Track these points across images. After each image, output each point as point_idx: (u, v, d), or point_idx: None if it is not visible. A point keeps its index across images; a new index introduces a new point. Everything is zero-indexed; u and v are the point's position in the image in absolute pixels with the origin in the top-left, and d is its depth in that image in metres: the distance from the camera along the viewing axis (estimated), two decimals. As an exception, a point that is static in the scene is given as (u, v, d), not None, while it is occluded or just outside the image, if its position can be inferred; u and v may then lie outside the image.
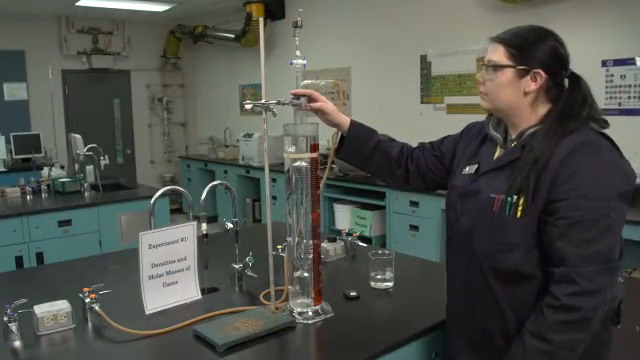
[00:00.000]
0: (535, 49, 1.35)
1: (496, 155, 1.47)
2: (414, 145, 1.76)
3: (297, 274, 1.67)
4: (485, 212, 1.39)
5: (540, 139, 1.33)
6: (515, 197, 1.33)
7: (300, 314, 1.65)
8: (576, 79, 1.40)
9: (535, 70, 1.35)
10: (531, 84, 1.36)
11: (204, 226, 1.93)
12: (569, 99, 1.37)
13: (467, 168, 1.51)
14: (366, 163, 1.74)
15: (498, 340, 1.40)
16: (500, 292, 1.39)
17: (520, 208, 1.32)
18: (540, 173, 1.30)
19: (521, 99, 1.38)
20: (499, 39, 1.40)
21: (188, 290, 1.84)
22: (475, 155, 1.53)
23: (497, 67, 1.38)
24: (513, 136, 1.44)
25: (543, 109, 1.39)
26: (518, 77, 1.36)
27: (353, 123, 1.71)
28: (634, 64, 3.70)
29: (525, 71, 1.35)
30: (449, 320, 1.58)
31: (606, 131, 1.37)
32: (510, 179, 1.35)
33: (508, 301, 1.38)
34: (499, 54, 1.38)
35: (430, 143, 1.72)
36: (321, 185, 1.69)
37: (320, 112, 1.67)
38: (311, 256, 1.66)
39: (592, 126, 1.35)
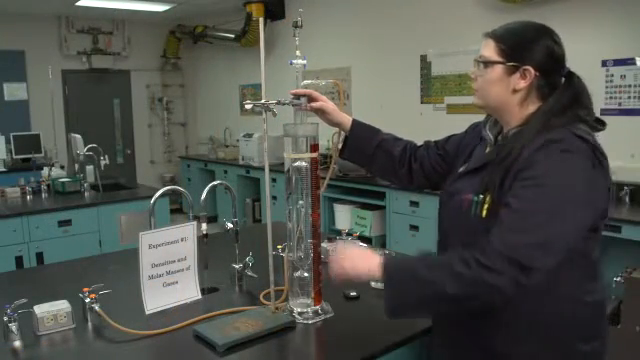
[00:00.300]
0: (526, 46, 1.32)
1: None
2: (416, 139, 1.76)
3: (297, 274, 1.67)
4: (458, 213, 1.37)
5: (515, 138, 1.31)
6: (481, 196, 1.30)
7: (300, 314, 1.65)
8: (571, 79, 1.35)
9: (524, 67, 1.31)
10: (520, 81, 1.32)
11: (204, 226, 1.93)
12: (557, 99, 1.32)
13: (461, 168, 1.49)
14: (369, 162, 1.73)
15: (472, 343, 1.38)
16: None
17: (486, 207, 1.29)
18: (507, 171, 1.27)
19: (510, 96, 1.34)
20: (492, 34, 1.37)
21: (188, 290, 1.84)
22: (470, 155, 1.51)
23: (487, 63, 1.35)
24: (503, 135, 1.42)
25: (532, 108, 1.34)
26: (507, 74, 1.33)
27: (355, 122, 1.70)
28: (634, 64, 3.70)
29: (514, 68, 1.32)
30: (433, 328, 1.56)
31: (604, 134, 1.33)
32: (482, 179, 1.33)
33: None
34: (490, 50, 1.35)
35: (435, 142, 1.71)
36: (324, 186, 1.69)
37: (321, 112, 1.67)
38: (311, 256, 1.66)
39: (579, 127, 1.27)
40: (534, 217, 1.19)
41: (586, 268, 1.32)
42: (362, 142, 1.69)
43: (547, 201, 1.19)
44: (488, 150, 1.44)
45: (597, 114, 1.38)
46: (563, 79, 1.35)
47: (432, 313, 1.35)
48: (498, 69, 1.33)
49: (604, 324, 1.38)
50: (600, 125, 1.34)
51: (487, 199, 1.29)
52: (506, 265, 1.15)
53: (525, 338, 1.30)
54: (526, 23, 1.38)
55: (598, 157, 1.25)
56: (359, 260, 1.37)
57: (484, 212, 1.29)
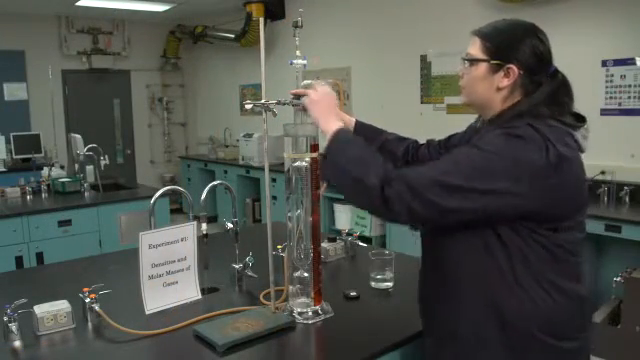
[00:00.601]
0: (511, 45, 1.33)
1: None
2: (416, 139, 1.76)
3: (297, 274, 1.67)
4: None
5: (483, 127, 1.36)
6: None
7: (300, 314, 1.65)
8: (554, 77, 1.35)
9: (508, 65, 1.32)
10: (504, 79, 1.33)
11: (204, 226, 1.93)
12: (533, 96, 1.32)
13: None
14: None
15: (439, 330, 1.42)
16: (438, 287, 1.40)
17: None
18: None
19: (494, 94, 1.35)
20: (478, 33, 1.39)
21: (188, 290, 1.84)
22: None
23: (472, 61, 1.37)
24: None
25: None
26: (491, 72, 1.34)
27: (358, 123, 1.71)
28: (634, 64, 3.70)
29: (498, 66, 1.33)
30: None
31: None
32: None
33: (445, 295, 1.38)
34: (475, 48, 1.37)
35: (438, 141, 1.72)
36: (324, 187, 1.68)
37: None
38: (311, 256, 1.66)
39: (547, 122, 1.27)
40: (449, 163, 1.25)
41: (561, 266, 1.30)
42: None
43: (470, 156, 1.24)
44: None
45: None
46: (549, 78, 1.35)
47: (339, 184, 1.37)
48: (483, 67, 1.36)
49: (581, 325, 1.36)
50: (577, 121, 1.33)
51: None
52: (400, 184, 1.22)
53: (485, 324, 1.30)
54: (513, 22, 1.40)
55: (551, 152, 1.22)
56: (327, 112, 1.46)
57: None
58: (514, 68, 1.32)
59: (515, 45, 1.33)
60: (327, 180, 1.35)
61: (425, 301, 1.47)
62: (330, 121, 1.43)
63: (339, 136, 1.38)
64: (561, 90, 1.34)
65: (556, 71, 1.36)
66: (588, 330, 1.39)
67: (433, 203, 1.21)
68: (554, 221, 1.27)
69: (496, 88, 1.35)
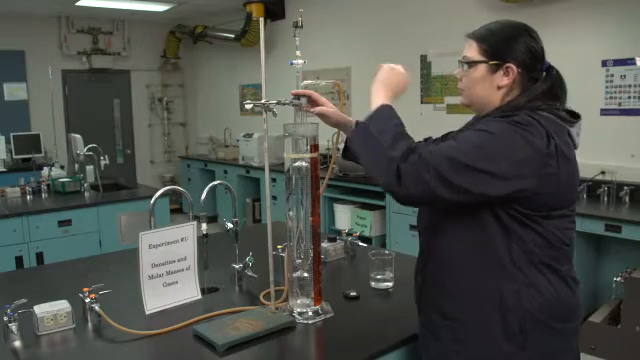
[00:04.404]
0: (507, 44, 1.37)
1: None
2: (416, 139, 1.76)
3: (297, 274, 1.67)
4: None
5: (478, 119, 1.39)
6: None
7: (300, 314, 1.65)
8: (549, 72, 1.40)
9: (507, 64, 1.37)
10: (504, 78, 1.38)
11: (204, 226, 1.94)
12: (530, 91, 1.37)
13: None
14: None
15: (430, 311, 1.43)
16: (434, 273, 1.42)
17: None
18: None
19: (495, 93, 1.40)
20: (473, 36, 1.43)
21: (188, 290, 1.84)
22: None
23: (471, 63, 1.41)
24: None
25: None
26: (491, 72, 1.39)
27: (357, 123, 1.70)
28: (634, 64, 3.70)
29: (497, 66, 1.38)
30: None
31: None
32: None
33: (440, 281, 1.40)
34: (472, 50, 1.42)
35: (434, 139, 1.72)
36: (323, 187, 1.69)
37: (321, 115, 1.67)
38: (311, 256, 1.66)
39: (541, 114, 1.31)
40: (459, 144, 1.27)
41: (555, 252, 1.33)
42: None
43: (476, 138, 1.27)
44: None
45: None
46: (544, 74, 1.40)
47: (365, 162, 1.38)
48: (482, 68, 1.40)
49: (575, 307, 1.38)
50: (572, 117, 1.37)
51: None
52: (415, 158, 1.23)
53: (484, 308, 1.32)
54: (505, 22, 1.44)
55: (552, 143, 1.26)
56: (383, 87, 1.52)
57: None
58: (513, 66, 1.37)
59: (510, 44, 1.38)
60: (352, 147, 1.37)
61: (422, 288, 1.48)
62: (380, 96, 1.47)
63: (380, 110, 1.42)
64: (556, 85, 1.40)
65: (550, 67, 1.41)
66: (581, 313, 1.43)
67: (443, 178, 1.22)
68: (546, 208, 1.30)
69: (496, 87, 1.39)
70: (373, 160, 1.32)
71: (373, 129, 1.35)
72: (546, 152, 1.25)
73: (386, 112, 1.40)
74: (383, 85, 1.48)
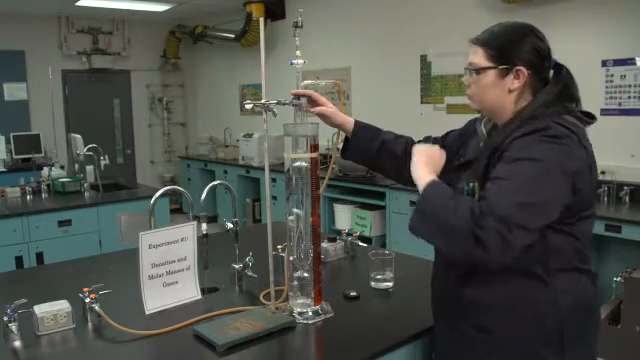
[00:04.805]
0: (514, 47, 1.36)
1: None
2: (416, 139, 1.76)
3: (297, 274, 1.67)
4: None
5: (502, 129, 1.37)
6: (471, 185, 1.36)
7: (300, 314, 1.65)
8: (559, 72, 1.39)
9: (517, 68, 1.35)
10: (515, 82, 1.37)
11: (204, 226, 1.94)
12: (547, 92, 1.36)
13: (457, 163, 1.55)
14: (372, 163, 1.76)
15: (464, 326, 1.41)
16: (462, 288, 1.40)
17: (477, 193, 1.34)
18: (492, 156, 1.33)
19: (506, 97, 1.38)
20: (478, 41, 1.41)
21: (188, 290, 1.84)
22: (465, 150, 1.55)
23: (479, 70, 1.39)
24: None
25: (524, 103, 1.39)
26: (501, 77, 1.37)
27: (358, 124, 1.70)
28: (634, 64, 3.70)
29: (507, 70, 1.36)
30: (432, 312, 1.58)
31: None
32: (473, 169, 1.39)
33: (471, 294, 1.39)
34: (479, 56, 1.40)
35: (434, 139, 1.72)
36: (323, 187, 1.69)
37: (321, 115, 1.67)
38: (311, 256, 1.66)
39: (565, 118, 1.32)
40: (514, 183, 1.23)
41: (583, 254, 1.37)
42: (364, 143, 1.70)
43: (528, 171, 1.23)
44: (481, 144, 1.48)
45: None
46: (552, 72, 1.40)
47: (436, 241, 1.34)
48: (491, 74, 1.38)
49: (596, 298, 1.43)
50: (589, 118, 1.38)
51: (475, 185, 1.35)
52: (491, 221, 1.17)
53: (507, 318, 1.33)
54: (508, 25, 1.42)
55: (584, 145, 1.29)
56: (424, 165, 1.42)
57: (476, 197, 1.34)
58: (523, 69, 1.35)
59: (517, 46, 1.36)
60: (415, 231, 1.32)
61: (450, 303, 1.45)
62: (424, 172, 1.39)
63: (431, 187, 1.33)
64: (569, 84, 1.39)
65: (557, 64, 1.40)
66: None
67: (522, 226, 1.19)
68: (580, 211, 1.32)
69: (507, 91, 1.38)
70: (444, 237, 1.26)
71: (430, 207, 1.29)
72: (587, 160, 1.29)
73: (436, 187, 1.34)
74: (424, 163, 1.43)
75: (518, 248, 1.20)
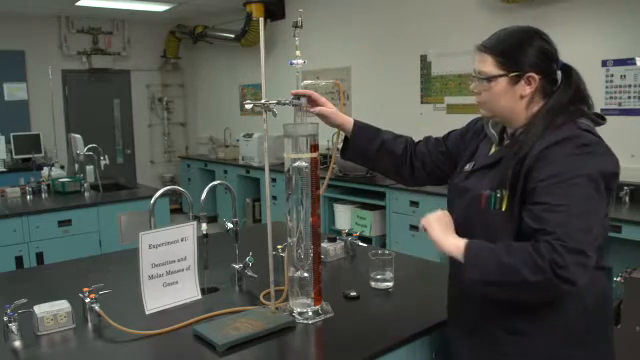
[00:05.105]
0: (523, 53, 1.35)
1: (491, 153, 1.49)
2: (416, 139, 1.76)
3: (297, 274, 1.67)
4: (474, 209, 1.41)
5: (523, 135, 1.36)
6: (499, 192, 1.35)
7: (300, 314, 1.65)
8: (568, 73, 1.39)
9: (528, 74, 1.35)
10: (526, 88, 1.36)
11: (204, 226, 1.94)
12: (560, 95, 1.37)
13: (467, 165, 1.53)
14: (372, 163, 1.76)
15: (493, 328, 1.41)
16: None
17: (505, 202, 1.34)
18: (520, 166, 1.32)
19: (518, 103, 1.38)
20: (485, 48, 1.39)
21: (188, 290, 1.84)
22: (474, 152, 1.54)
23: (490, 78, 1.38)
24: (509, 134, 1.46)
25: (536, 107, 1.39)
26: (512, 84, 1.37)
27: (357, 124, 1.70)
28: (634, 64, 3.70)
29: (518, 77, 1.36)
30: (449, 314, 1.59)
31: (604, 134, 1.36)
32: (497, 176, 1.38)
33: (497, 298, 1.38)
34: (488, 65, 1.38)
35: (436, 139, 1.72)
36: (323, 187, 1.69)
37: (321, 115, 1.67)
38: (311, 256, 1.66)
39: (581, 121, 1.33)
40: (573, 208, 1.24)
41: (603, 251, 1.37)
42: (364, 143, 1.70)
43: (579, 193, 1.25)
44: (495, 148, 1.48)
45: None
46: (559, 73, 1.39)
47: (509, 297, 1.33)
48: (502, 82, 1.37)
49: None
50: (600, 119, 1.39)
51: (504, 193, 1.34)
52: (569, 256, 1.19)
53: (537, 319, 1.34)
54: (513, 29, 1.41)
55: (614, 155, 1.34)
56: (444, 232, 1.41)
57: (504, 206, 1.34)
58: (534, 75, 1.35)
59: (525, 52, 1.36)
60: (498, 299, 1.33)
61: (475, 308, 1.43)
62: (451, 239, 1.38)
63: (473, 251, 1.32)
64: (580, 86, 1.39)
65: (565, 65, 1.40)
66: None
67: (595, 248, 1.24)
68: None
69: (519, 97, 1.38)
70: (530, 293, 1.26)
71: (494, 275, 1.27)
72: (617, 166, 1.34)
73: (475, 250, 1.32)
74: (444, 233, 1.41)
75: (592, 265, 1.23)
